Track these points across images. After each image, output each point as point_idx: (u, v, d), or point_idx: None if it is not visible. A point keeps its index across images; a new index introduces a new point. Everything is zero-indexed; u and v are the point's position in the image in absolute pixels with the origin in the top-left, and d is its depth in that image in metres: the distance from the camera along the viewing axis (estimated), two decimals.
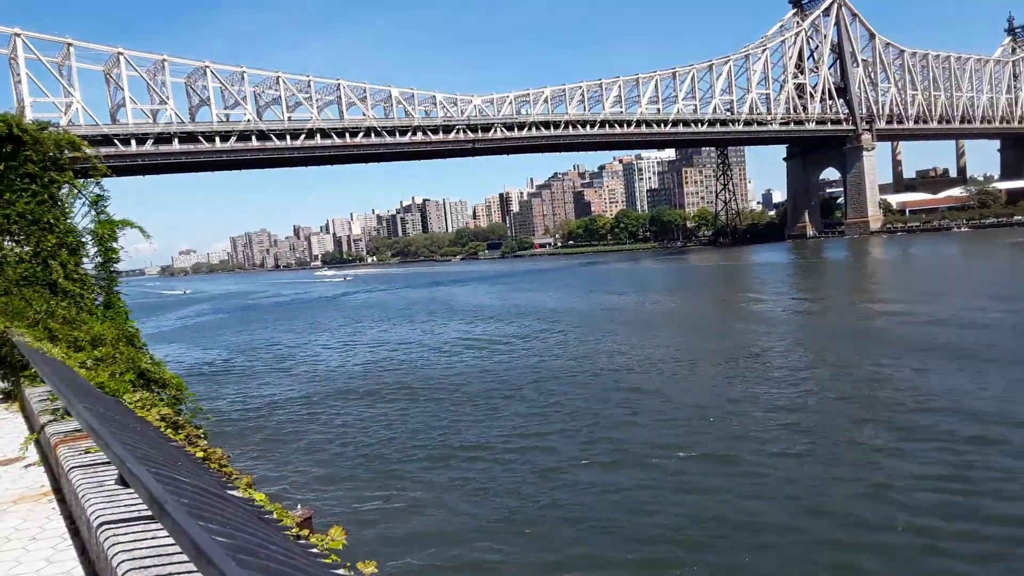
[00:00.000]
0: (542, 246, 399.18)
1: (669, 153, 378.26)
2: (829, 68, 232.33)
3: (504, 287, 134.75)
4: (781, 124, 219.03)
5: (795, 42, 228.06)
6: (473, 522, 20.26)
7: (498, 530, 19.64)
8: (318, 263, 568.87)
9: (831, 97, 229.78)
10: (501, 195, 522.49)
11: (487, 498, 22.15)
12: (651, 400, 33.34)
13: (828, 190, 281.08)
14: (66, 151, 17.29)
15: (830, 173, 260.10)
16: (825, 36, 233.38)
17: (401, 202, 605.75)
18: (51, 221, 16.24)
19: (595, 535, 18.87)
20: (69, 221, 16.96)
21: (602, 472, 23.75)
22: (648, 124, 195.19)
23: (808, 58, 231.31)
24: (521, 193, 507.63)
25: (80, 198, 17.50)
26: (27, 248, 16.09)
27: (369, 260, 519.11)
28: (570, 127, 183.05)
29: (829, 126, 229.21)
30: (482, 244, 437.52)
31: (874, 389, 32.75)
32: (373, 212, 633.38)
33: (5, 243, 15.90)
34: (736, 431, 27.30)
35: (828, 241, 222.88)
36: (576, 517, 20.08)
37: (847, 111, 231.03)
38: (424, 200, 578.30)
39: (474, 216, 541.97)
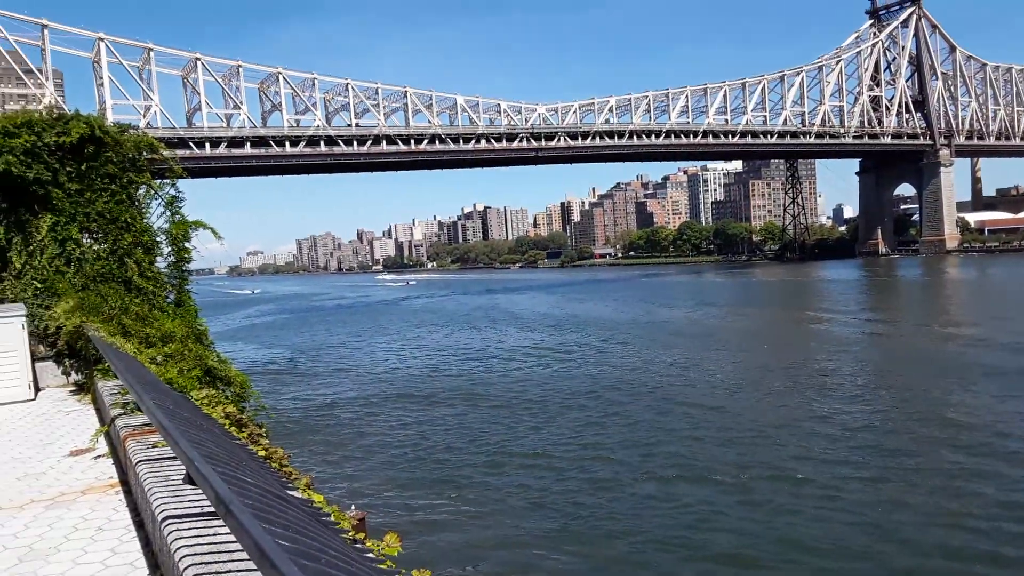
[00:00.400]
0: (602, 256, 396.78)
1: (736, 165, 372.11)
2: (906, 81, 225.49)
3: (563, 296, 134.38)
4: (855, 137, 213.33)
5: (871, 53, 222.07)
6: (528, 532, 20.09)
7: (554, 542, 19.44)
8: (379, 267, 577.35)
9: (908, 111, 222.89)
10: (562, 204, 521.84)
11: (543, 508, 21.94)
12: (713, 415, 32.68)
13: (902, 206, 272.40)
14: (144, 153, 17.85)
15: (905, 189, 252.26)
16: (903, 48, 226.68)
17: (462, 209, 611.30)
18: (128, 220, 16.77)
19: (654, 551, 18.51)
20: (145, 221, 17.49)
21: (662, 486, 23.33)
22: (715, 135, 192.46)
23: (885, 70, 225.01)
24: (582, 202, 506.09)
25: (156, 198, 18.04)
26: (105, 246, 16.65)
27: (429, 266, 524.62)
28: (635, 137, 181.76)
29: (905, 140, 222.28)
30: (541, 253, 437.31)
31: (947, 412, 31.44)
32: (435, 218, 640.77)
33: (84, 240, 16.48)
34: (801, 451, 26.51)
35: (901, 259, 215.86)
36: (634, 531, 19.75)
37: (924, 125, 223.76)
38: (485, 207, 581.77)
39: (534, 224, 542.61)
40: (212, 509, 4.57)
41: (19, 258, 15.75)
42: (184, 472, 5.68)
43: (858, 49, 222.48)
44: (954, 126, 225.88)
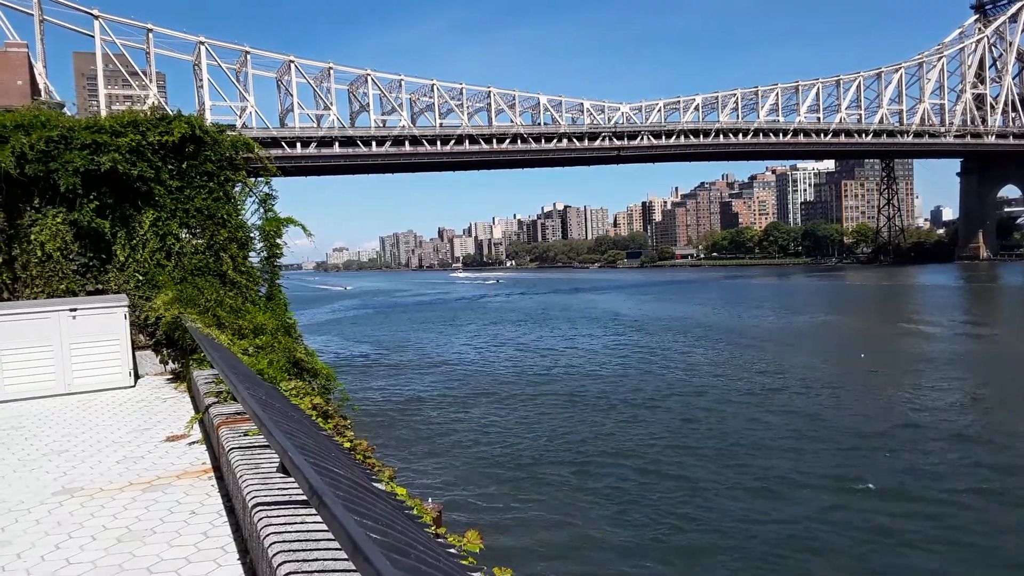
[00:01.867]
0: (683, 257, 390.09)
1: (827, 164, 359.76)
2: (1013, 78, 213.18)
3: (643, 297, 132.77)
4: (956, 137, 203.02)
5: (976, 50, 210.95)
6: (609, 538, 19.82)
7: (634, 547, 19.16)
8: (458, 265, 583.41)
9: (1015, 109, 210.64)
10: (643, 203, 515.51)
11: (626, 513, 21.59)
12: (806, 424, 31.60)
13: (1007, 209, 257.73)
14: (240, 152, 18.49)
15: (1009, 191, 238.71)
16: (1011, 44, 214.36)
17: (542, 208, 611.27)
18: (224, 216, 17.42)
19: (742, 567, 17.96)
20: (240, 217, 18.11)
21: (754, 498, 22.56)
22: (806, 133, 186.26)
23: (990, 67, 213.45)
24: (664, 202, 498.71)
25: (251, 196, 18.67)
26: (202, 241, 17.34)
27: (508, 264, 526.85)
28: (721, 136, 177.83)
29: (1011, 140, 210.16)
30: (621, 252, 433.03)
31: None
32: (514, 217, 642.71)
33: (183, 235, 17.19)
34: (909, 464, 25.30)
35: (1004, 264, 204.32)
36: (720, 544, 19.21)
37: None
38: (565, 206, 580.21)
39: (614, 224, 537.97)
40: (301, 497, 4.66)
41: (123, 251, 16.55)
42: (276, 461, 5.82)
43: (962, 45, 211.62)
44: None
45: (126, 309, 14.78)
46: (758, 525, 20.29)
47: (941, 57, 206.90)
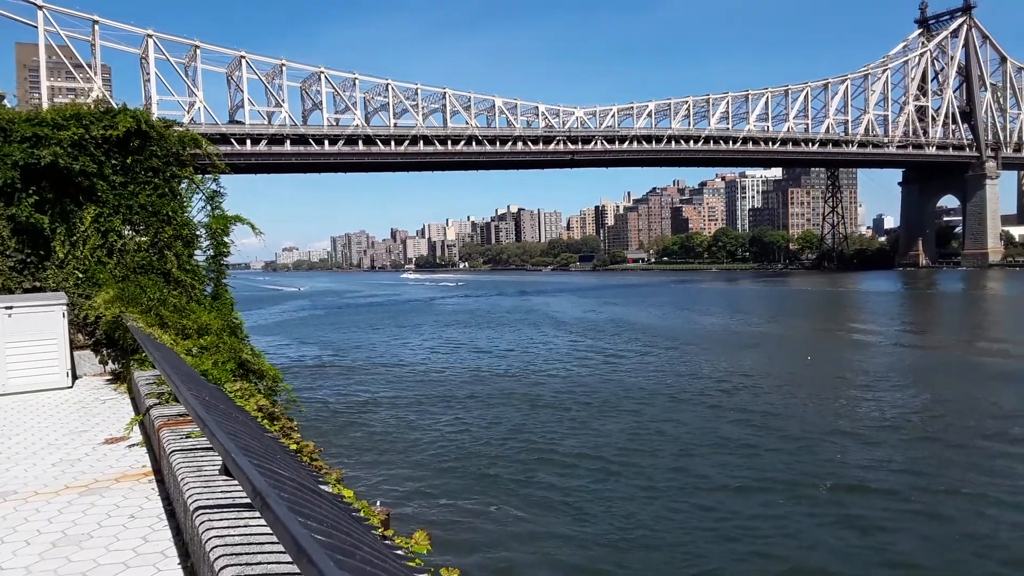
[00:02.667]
0: (635, 261, 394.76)
1: (775, 172, 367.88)
2: (954, 91, 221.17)
3: (596, 300, 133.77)
4: (898, 147, 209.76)
5: (919, 63, 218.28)
6: (563, 539, 19.82)
7: (584, 545, 19.25)
8: (411, 266, 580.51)
9: (954, 122, 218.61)
10: (597, 207, 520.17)
11: (580, 515, 21.59)
12: (758, 425, 31.89)
13: (945, 218, 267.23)
14: (188, 148, 18.12)
15: (948, 201, 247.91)
16: (952, 58, 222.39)
17: (496, 210, 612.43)
18: (169, 213, 17.04)
19: (698, 565, 18.16)
20: (186, 214, 17.74)
21: (709, 498, 22.70)
22: (755, 142, 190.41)
23: (932, 80, 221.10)
24: (617, 206, 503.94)
25: (197, 193, 18.31)
26: (145, 238, 16.94)
27: (461, 266, 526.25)
28: (673, 142, 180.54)
29: (951, 152, 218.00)
30: (574, 256, 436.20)
31: (986, 430, 30.64)
32: (468, 219, 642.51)
33: (126, 232, 16.77)
34: (860, 463, 25.91)
35: (942, 272, 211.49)
36: (675, 543, 19.35)
37: (971, 137, 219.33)
38: (519, 209, 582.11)
39: (568, 227, 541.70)
40: (244, 500, 4.57)
41: (62, 248, 16.07)
42: (219, 463, 5.71)
43: (905, 58, 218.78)
44: (1001, 138, 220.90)
45: (65, 307, 14.34)
46: (713, 525, 20.59)
47: (886, 70, 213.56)
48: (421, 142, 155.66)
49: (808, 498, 22.61)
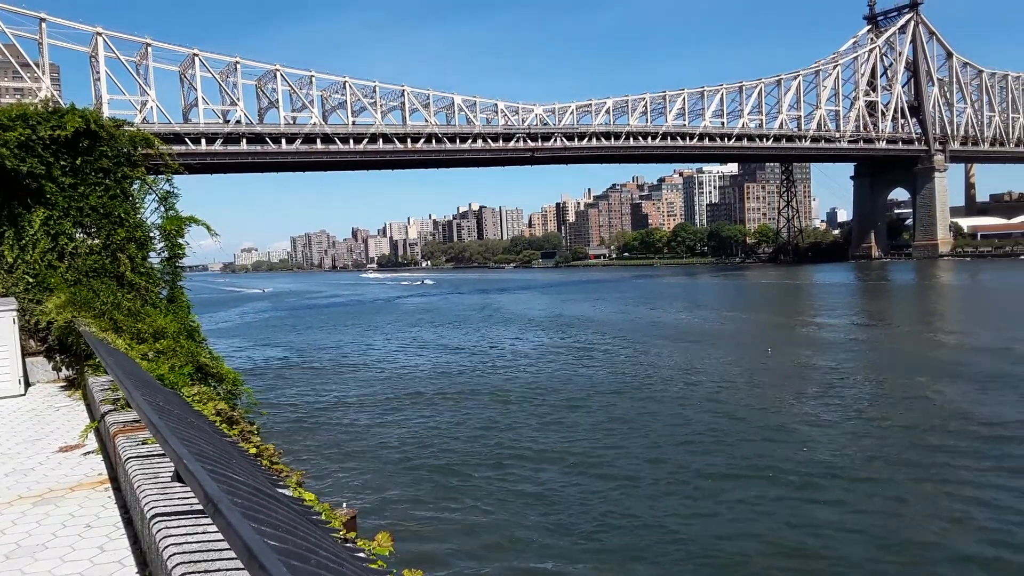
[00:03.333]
0: (597, 257, 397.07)
1: (731, 167, 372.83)
2: (903, 86, 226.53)
3: (558, 297, 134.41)
4: (850, 142, 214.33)
5: (868, 59, 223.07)
6: (531, 538, 19.86)
7: (548, 543, 19.35)
8: (373, 265, 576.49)
9: (903, 116, 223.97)
10: (558, 204, 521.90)
11: (548, 513, 21.66)
12: (724, 419, 32.34)
13: (896, 211, 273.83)
14: (139, 148, 17.77)
15: (899, 194, 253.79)
16: (900, 54, 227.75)
17: (458, 208, 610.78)
18: (122, 215, 16.67)
19: (667, 563, 18.36)
20: (139, 216, 17.39)
21: (677, 494, 22.95)
22: (711, 138, 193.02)
23: (881, 76, 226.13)
24: (578, 203, 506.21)
25: (150, 194, 17.96)
26: (97, 241, 16.56)
27: (423, 264, 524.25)
28: (631, 138, 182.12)
29: (900, 146, 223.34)
30: (536, 253, 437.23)
31: (935, 415, 31.56)
32: (430, 217, 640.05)
33: (77, 235, 16.39)
34: (824, 455, 26.43)
35: (894, 263, 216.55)
36: (643, 542, 19.47)
37: (920, 131, 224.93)
38: (481, 207, 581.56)
39: (530, 224, 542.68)
40: (201, 507, 4.53)
41: (11, 252, 15.66)
42: (173, 469, 5.64)
43: (855, 54, 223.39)
44: (949, 132, 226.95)
45: (15, 313, 13.98)
46: (682, 521, 20.80)
47: (836, 66, 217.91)
48: (380, 140, 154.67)
49: (780, 484, 23.07)
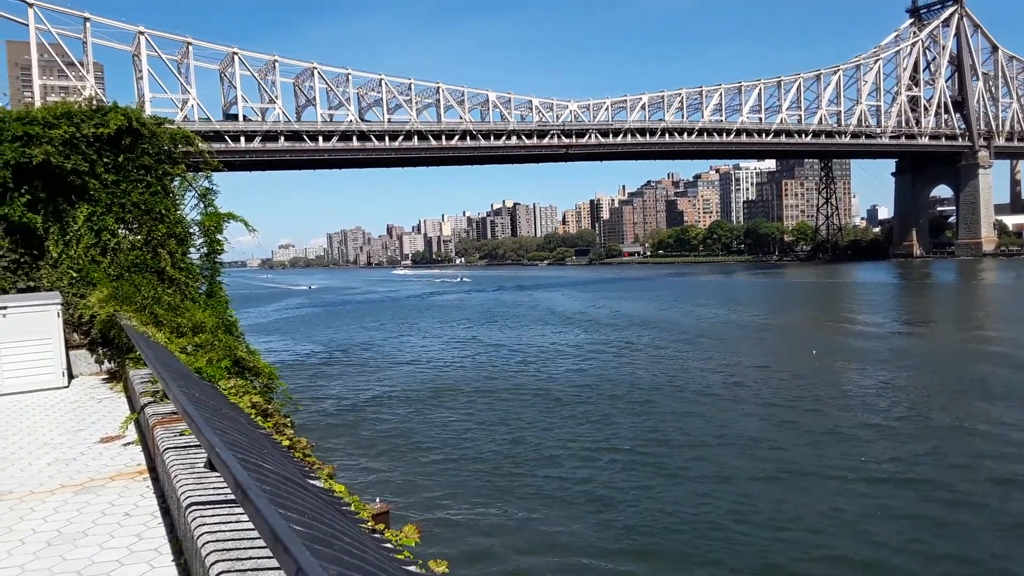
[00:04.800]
0: (631, 254, 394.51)
1: (769, 164, 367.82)
2: (946, 81, 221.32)
3: (596, 294, 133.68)
4: (891, 138, 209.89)
5: (911, 53, 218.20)
6: (555, 535, 19.86)
7: (578, 543, 19.30)
8: (407, 262, 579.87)
9: (947, 111, 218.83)
10: (592, 201, 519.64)
11: (571, 509, 21.67)
12: (774, 420, 31.87)
13: (939, 208, 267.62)
14: (180, 145, 18.08)
15: (942, 190, 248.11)
16: (944, 47, 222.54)
17: (492, 205, 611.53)
18: (162, 211, 16.99)
19: (684, 553, 18.28)
20: (179, 212, 17.71)
21: (695, 489, 22.88)
22: (749, 133, 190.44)
23: (924, 70, 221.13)
24: (612, 200, 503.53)
25: (191, 190, 18.27)
26: (139, 236, 16.90)
27: (457, 261, 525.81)
28: (666, 135, 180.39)
29: (943, 141, 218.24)
30: (570, 250, 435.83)
31: (977, 422, 30.84)
32: (464, 214, 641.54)
33: (119, 230, 16.73)
34: (880, 455, 26.05)
35: (936, 262, 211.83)
36: (662, 536, 19.47)
37: (963, 126, 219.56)
38: (515, 204, 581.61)
39: (563, 221, 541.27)
40: (235, 497, 4.63)
41: (56, 247, 16.04)
42: (207, 458, 5.76)
43: (897, 48, 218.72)
44: (994, 127, 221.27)
45: (59, 307, 14.34)
46: (694, 514, 20.65)
47: (877, 60, 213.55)
48: (415, 137, 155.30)
49: (836, 488, 22.72)
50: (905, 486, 22.84)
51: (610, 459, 26.50)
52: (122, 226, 16.82)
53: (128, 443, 9.11)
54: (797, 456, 26.29)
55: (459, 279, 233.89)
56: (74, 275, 16.13)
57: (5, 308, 13.78)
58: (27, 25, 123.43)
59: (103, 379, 14.74)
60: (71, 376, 14.68)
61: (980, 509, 20.88)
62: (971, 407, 33.60)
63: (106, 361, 15.32)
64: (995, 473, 23.83)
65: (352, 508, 4.78)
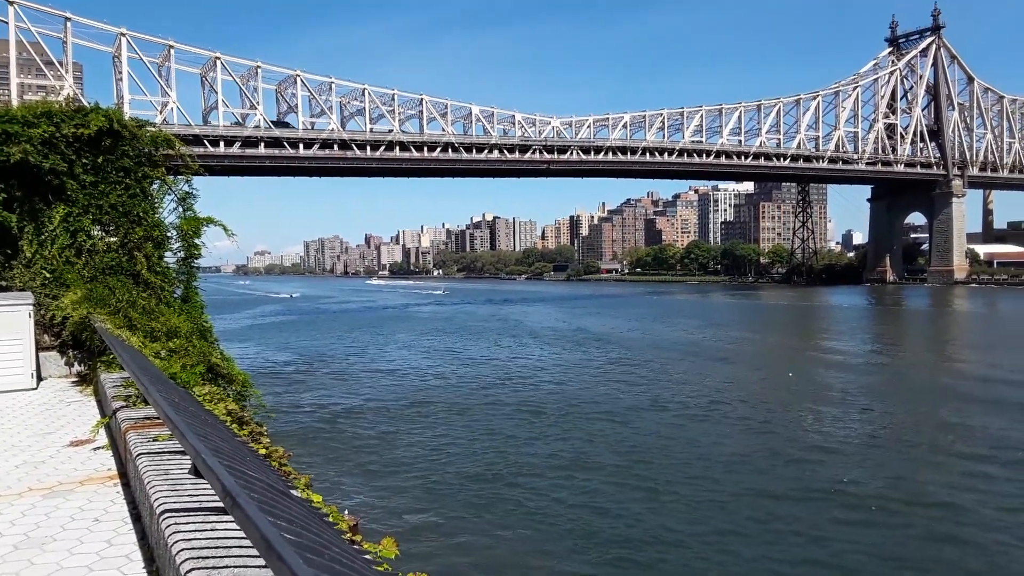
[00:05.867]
0: (609, 271, 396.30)
1: (747, 186, 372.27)
2: (923, 110, 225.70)
3: (573, 311, 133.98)
4: (868, 164, 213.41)
5: (889, 81, 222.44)
6: (526, 544, 19.85)
7: (551, 553, 19.26)
8: (385, 272, 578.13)
9: (922, 140, 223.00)
10: (571, 217, 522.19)
11: (543, 520, 21.63)
12: (753, 439, 32.01)
13: (912, 235, 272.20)
14: (160, 148, 17.90)
15: (916, 218, 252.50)
16: (921, 77, 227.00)
17: (471, 218, 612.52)
18: (140, 214, 16.78)
19: (652, 570, 18.30)
20: (157, 215, 17.51)
21: (665, 508, 22.89)
22: (728, 155, 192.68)
23: (901, 98, 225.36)
24: (592, 217, 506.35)
25: (169, 194, 18.07)
26: (115, 238, 16.67)
27: (435, 273, 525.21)
28: (647, 154, 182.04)
29: (918, 169, 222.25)
30: (548, 265, 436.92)
31: (944, 440, 31.27)
32: (443, 226, 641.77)
33: (96, 232, 16.51)
34: (830, 474, 26.27)
35: (908, 288, 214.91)
36: (632, 548, 19.50)
37: (938, 155, 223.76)
38: (494, 217, 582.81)
39: (542, 236, 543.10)
40: (211, 504, 4.56)
41: (30, 247, 15.79)
42: (186, 467, 5.66)
43: (875, 76, 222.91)
44: (968, 157, 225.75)
45: (31, 307, 14.11)
46: (695, 538, 20.62)
47: (856, 87, 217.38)
48: (397, 148, 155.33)
49: (811, 506, 22.89)
50: (880, 503, 23.05)
51: (586, 476, 26.45)
52: (98, 228, 16.59)
53: (98, 447, 8.95)
54: (777, 475, 26.47)
55: (442, 291, 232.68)
56: (47, 276, 15.86)
57: None
58: (7, 23, 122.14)
59: (72, 382, 14.50)
60: (40, 378, 14.42)
61: (955, 526, 21.14)
62: (943, 429, 34.12)
63: (76, 364, 15.07)
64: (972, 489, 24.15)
65: (331, 519, 4.73)
